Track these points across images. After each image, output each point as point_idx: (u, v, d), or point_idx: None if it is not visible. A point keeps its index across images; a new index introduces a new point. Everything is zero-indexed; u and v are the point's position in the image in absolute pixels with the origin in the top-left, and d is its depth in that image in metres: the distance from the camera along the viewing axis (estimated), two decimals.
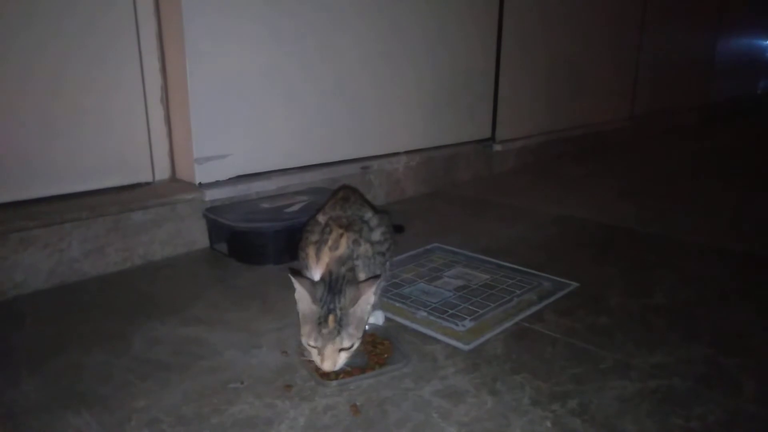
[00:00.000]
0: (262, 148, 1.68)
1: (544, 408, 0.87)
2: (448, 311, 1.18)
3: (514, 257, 1.49)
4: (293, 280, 0.91)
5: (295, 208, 1.55)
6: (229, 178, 1.61)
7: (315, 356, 0.89)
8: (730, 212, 2.02)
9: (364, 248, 0.98)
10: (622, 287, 1.33)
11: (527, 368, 0.98)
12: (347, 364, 0.91)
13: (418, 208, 2.02)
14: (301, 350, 1.00)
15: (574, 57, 2.95)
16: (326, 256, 0.97)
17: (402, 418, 0.84)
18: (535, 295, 1.27)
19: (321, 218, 1.06)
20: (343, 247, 0.96)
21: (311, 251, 1.00)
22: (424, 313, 1.18)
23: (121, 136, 1.50)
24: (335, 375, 0.91)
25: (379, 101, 1.99)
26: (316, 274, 0.98)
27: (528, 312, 1.19)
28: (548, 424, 0.83)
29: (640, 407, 0.87)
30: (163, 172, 1.60)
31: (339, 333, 0.87)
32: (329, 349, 0.87)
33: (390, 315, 1.16)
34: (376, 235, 1.04)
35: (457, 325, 1.12)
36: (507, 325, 1.13)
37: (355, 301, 0.89)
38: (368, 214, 1.07)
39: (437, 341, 1.07)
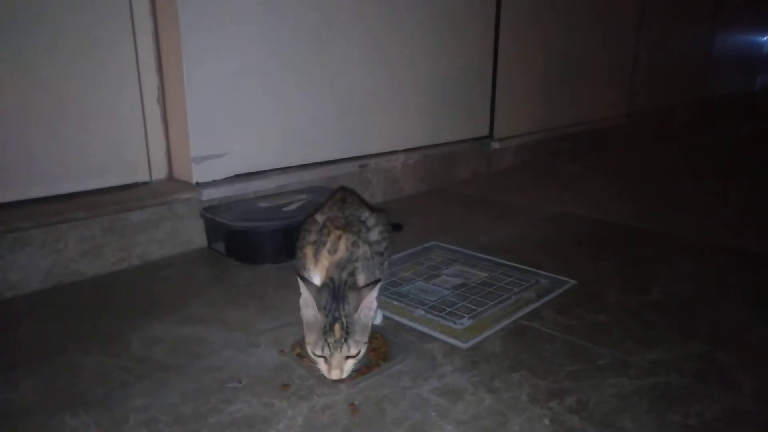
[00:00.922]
0: (260, 147, 1.68)
1: (542, 405, 0.87)
2: (446, 309, 1.18)
3: (512, 255, 1.49)
4: (301, 284, 0.90)
5: (293, 207, 1.55)
6: (227, 177, 1.60)
7: (322, 365, 0.89)
8: (727, 209, 2.03)
9: (363, 250, 0.98)
10: (620, 284, 1.33)
11: (525, 366, 0.98)
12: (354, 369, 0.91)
13: (416, 207, 2.02)
14: (297, 351, 1.00)
15: (571, 54, 2.94)
16: (325, 260, 0.97)
17: (400, 417, 0.84)
18: (533, 292, 1.27)
19: (319, 218, 1.06)
20: (342, 250, 0.96)
21: (309, 251, 1.00)
22: (423, 312, 1.17)
23: (118, 136, 1.49)
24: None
25: (377, 99, 1.99)
26: (314, 276, 0.98)
27: (526, 310, 1.19)
28: (546, 421, 0.83)
29: (638, 404, 0.88)
30: (160, 172, 1.60)
31: (346, 341, 0.86)
32: (336, 358, 0.87)
33: (388, 313, 1.16)
34: (374, 235, 1.04)
35: (455, 323, 1.12)
36: (505, 322, 1.13)
37: (357, 307, 0.88)
38: (365, 214, 1.07)
39: (435, 339, 1.07)
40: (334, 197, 1.13)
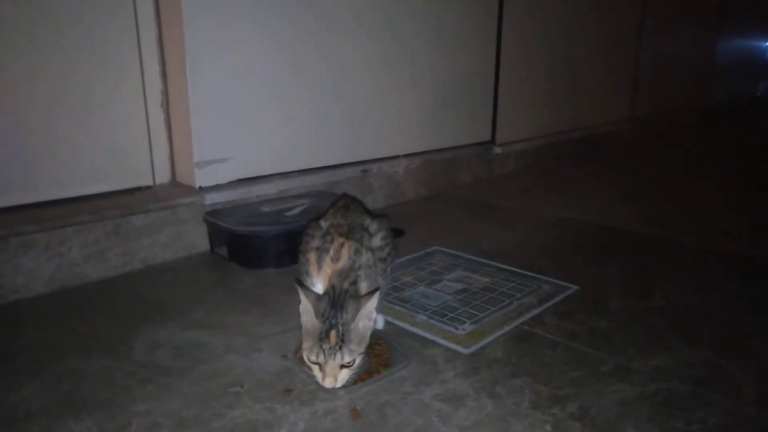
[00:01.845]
0: (262, 152, 1.68)
1: (544, 412, 0.87)
2: (448, 315, 1.19)
3: (514, 260, 1.49)
4: (300, 292, 0.91)
5: (296, 211, 1.56)
6: (230, 182, 1.61)
7: (317, 372, 0.89)
8: (730, 214, 2.02)
9: (366, 257, 0.98)
10: (622, 290, 1.33)
11: (527, 372, 0.98)
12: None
13: (418, 211, 2.02)
14: (299, 355, 1.00)
15: (573, 59, 2.95)
16: (328, 267, 0.97)
17: (402, 422, 0.84)
18: (535, 298, 1.27)
19: (323, 223, 1.06)
20: (345, 258, 0.97)
21: (312, 257, 1.00)
22: (424, 317, 1.18)
23: (121, 140, 1.50)
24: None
25: (379, 104, 1.99)
26: (317, 282, 0.98)
27: (528, 315, 1.19)
28: (548, 428, 0.83)
29: (640, 411, 0.87)
30: (163, 176, 1.60)
31: (340, 349, 0.87)
32: (330, 365, 0.87)
33: (390, 318, 1.16)
34: (377, 241, 1.04)
35: (457, 328, 1.13)
36: (507, 328, 1.13)
37: (355, 315, 0.89)
38: (367, 221, 1.08)
39: (437, 345, 1.07)
40: (337, 204, 1.14)
